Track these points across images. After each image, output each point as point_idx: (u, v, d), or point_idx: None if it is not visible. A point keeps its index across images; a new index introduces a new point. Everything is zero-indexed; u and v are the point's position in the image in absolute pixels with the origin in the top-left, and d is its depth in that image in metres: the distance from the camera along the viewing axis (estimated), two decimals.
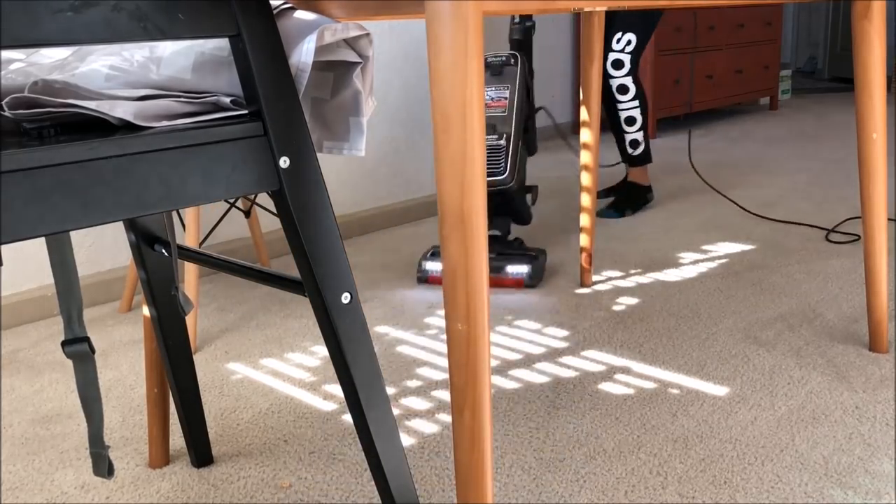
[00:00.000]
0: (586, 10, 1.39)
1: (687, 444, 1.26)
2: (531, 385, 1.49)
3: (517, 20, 2.26)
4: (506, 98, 2.14)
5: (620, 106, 2.59)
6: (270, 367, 1.62)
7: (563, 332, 1.73)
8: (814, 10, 7.08)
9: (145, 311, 1.17)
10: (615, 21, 2.52)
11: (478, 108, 0.83)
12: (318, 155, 1.49)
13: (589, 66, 1.89)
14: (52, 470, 1.27)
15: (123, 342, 1.78)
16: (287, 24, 0.83)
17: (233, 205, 2.10)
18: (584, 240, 2.00)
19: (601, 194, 2.83)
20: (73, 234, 1.98)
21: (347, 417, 1.40)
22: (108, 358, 1.70)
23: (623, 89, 2.56)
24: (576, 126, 4.81)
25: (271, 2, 0.85)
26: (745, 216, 2.64)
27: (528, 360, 1.60)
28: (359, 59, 0.86)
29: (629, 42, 2.51)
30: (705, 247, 2.32)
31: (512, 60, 2.18)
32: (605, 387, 1.47)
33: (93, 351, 0.99)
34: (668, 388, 1.46)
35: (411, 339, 1.74)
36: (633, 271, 2.13)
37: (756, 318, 1.77)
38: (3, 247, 1.82)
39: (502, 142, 2.08)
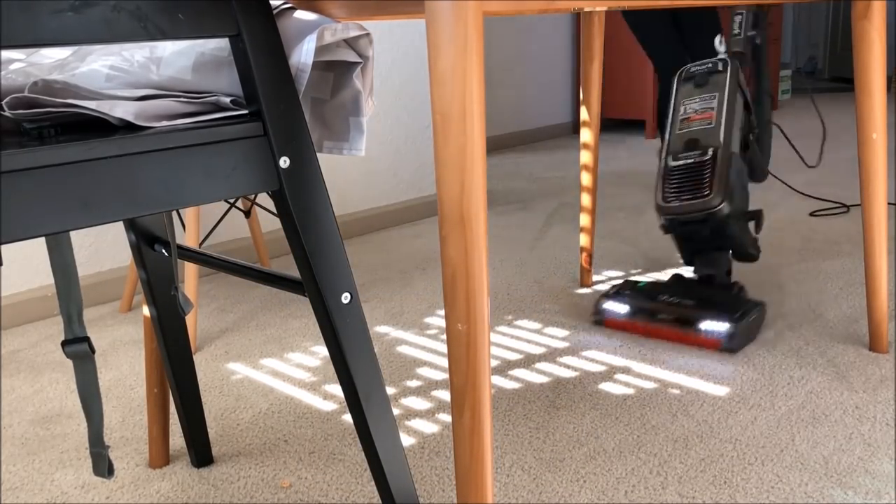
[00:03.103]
0: (586, 9, 1.39)
1: (687, 444, 1.26)
2: (531, 385, 1.49)
3: (737, 32, 1.91)
4: (712, 109, 1.73)
5: None
6: (270, 367, 1.62)
7: (563, 332, 1.73)
8: (814, 10, 7.08)
9: (145, 311, 1.17)
10: (703, 26, 2.40)
11: (478, 108, 0.83)
12: (318, 155, 1.50)
13: (589, 66, 1.89)
14: (52, 470, 1.27)
15: (123, 342, 1.78)
16: (287, 24, 0.83)
17: (233, 205, 2.10)
18: (584, 240, 2.00)
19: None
20: (73, 234, 1.98)
21: (347, 417, 1.40)
22: (108, 358, 1.70)
23: None
24: (576, 126, 4.81)
25: (271, 2, 0.85)
26: None
27: (528, 360, 1.60)
28: (359, 60, 0.86)
29: (723, 41, 2.33)
30: None
31: (720, 66, 1.79)
32: (605, 387, 1.47)
33: (93, 351, 0.99)
34: (668, 388, 1.46)
35: (411, 339, 1.74)
36: (633, 271, 2.13)
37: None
38: (3, 247, 1.82)
39: (706, 157, 1.64)
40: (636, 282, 1.79)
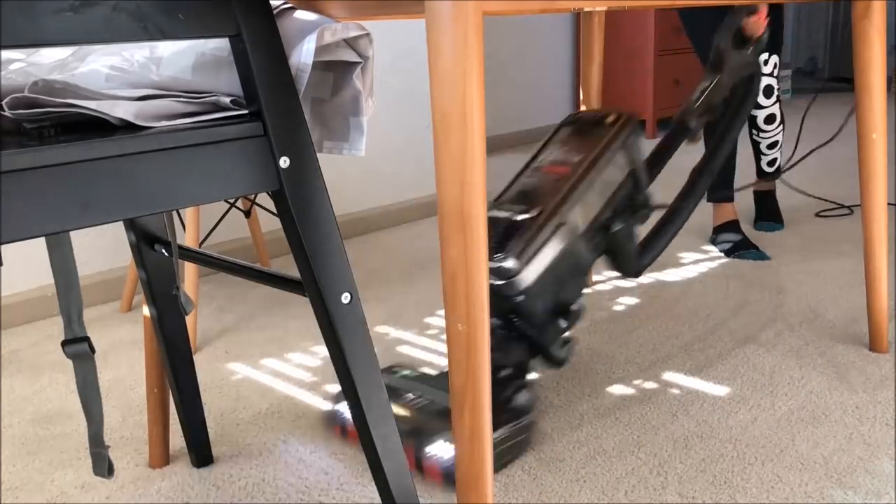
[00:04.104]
0: (586, 9, 1.39)
1: (687, 444, 1.26)
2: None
3: (748, 45, 1.59)
4: (573, 164, 1.36)
5: (765, 135, 2.40)
6: (270, 367, 1.62)
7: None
8: (814, 10, 7.08)
9: (145, 311, 1.17)
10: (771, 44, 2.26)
11: (478, 108, 0.83)
12: (318, 155, 1.50)
13: (589, 66, 1.89)
14: (52, 470, 1.27)
15: (123, 342, 1.78)
16: (287, 24, 0.83)
17: (233, 205, 2.10)
18: None
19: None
20: (73, 234, 1.98)
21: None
22: (108, 358, 1.70)
23: (771, 119, 2.38)
24: None
25: (271, 2, 0.85)
26: (745, 216, 2.64)
27: None
28: (359, 60, 0.86)
29: (776, 65, 2.30)
30: (705, 247, 2.32)
31: (611, 119, 1.43)
32: (605, 387, 1.47)
33: (93, 351, 0.99)
34: (668, 388, 1.46)
35: (411, 339, 1.74)
36: None
37: (756, 318, 1.77)
38: (3, 247, 1.82)
39: (528, 216, 1.30)
40: (395, 370, 1.40)
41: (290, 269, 2.26)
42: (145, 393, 1.25)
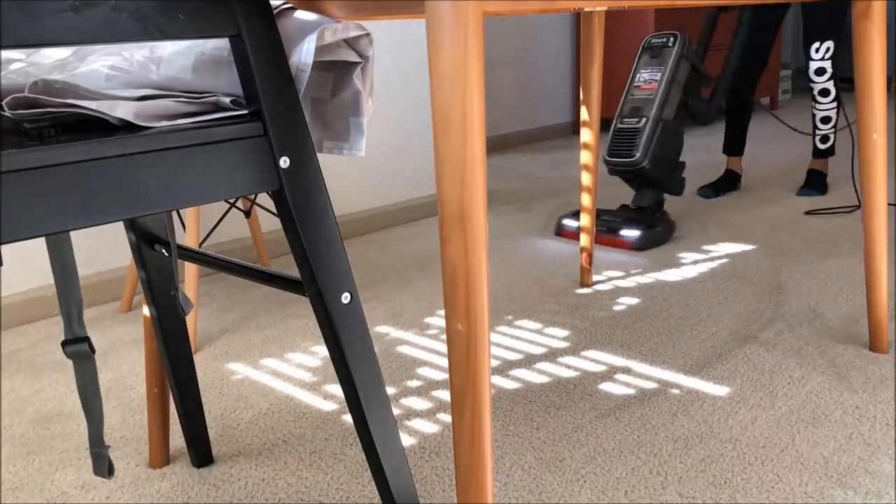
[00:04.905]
0: (586, 9, 1.39)
1: (687, 444, 1.26)
2: (531, 385, 1.49)
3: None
4: (657, 80, 2.34)
5: (820, 107, 2.79)
6: (270, 367, 1.62)
7: (563, 332, 1.73)
8: None
9: (145, 311, 1.17)
10: (812, 32, 2.68)
11: (478, 108, 0.83)
12: (318, 155, 1.50)
13: (589, 66, 1.89)
14: (52, 470, 1.27)
15: (123, 342, 1.78)
16: (287, 24, 0.83)
17: (233, 205, 2.10)
18: (584, 240, 2.00)
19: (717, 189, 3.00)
20: (73, 234, 1.98)
21: (347, 417, 1.40)
22: (108, 358, 1.70)
23: (825, 93, 2.75)
24: (576, 126, 4.81)
25: (271, 2, 0.85)
26: (745, 216, 2.64)
27: (528, 360, 1.60)
28: (359, 60, 0.86)
29: (828, 49, 2.68)
30: (705, 247, 2.32)
31: (671, 41, 2.38)
32: (605, 387, 1.47)
33: (93, 351, 0.99)
34: (668, 388, 1.46)
35: (411, 339, 1.74)
36: (633, 271, 2.13)
37: (756, 318, 1.77)
38: (3, 247, 1.82)
39: (640, 125, 2.30)
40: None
41: (290, 269, 2.26)
42: (145, 393, 1.25)
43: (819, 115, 2.82)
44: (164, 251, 1.09)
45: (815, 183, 2.93)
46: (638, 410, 1.38)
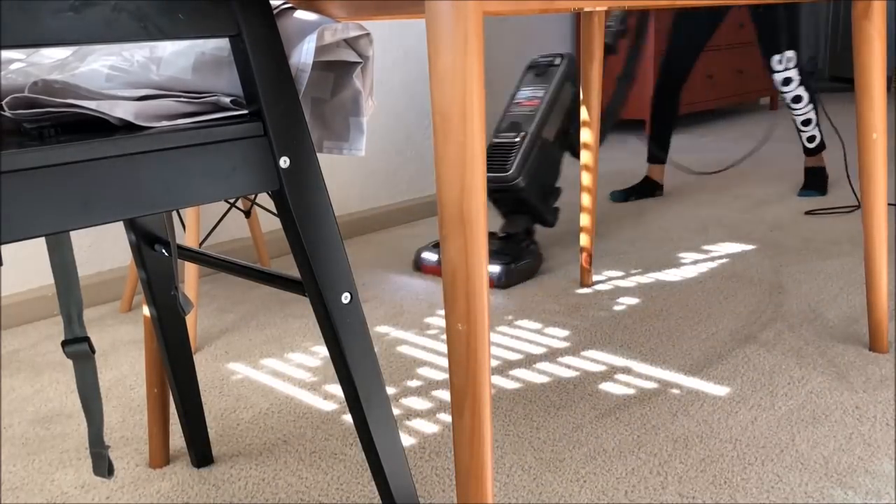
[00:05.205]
0: (586, 9, 1.39)
1: (687, 444, 1.26)
2: (531, 385, 1.49)
3: (609, 24, 2.36)
4: (539, 98, 2.19)
5: (797, 113, 2.78)
6: (270, 367, 1.62)
7: (563, 332, 1.73)
8: (814, 10, 7.08)
9: (145, 311, 1.17)
10: (769, 45, 2.67)
11: (478, 108, 0.83)
12: (318, 155, 1.50)
13: (589, 66, 1.89)
14: (52, 470, 1.27)
15: (123, 342, 1.78)
16: (287, 24, 0.83)
17: (233, 205, 2.10)
18: (584, 240, 2.00)
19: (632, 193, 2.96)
20: (73, 234, 1.98)
21: (348, 417, 1.40)
22: (108, 358, 1.70)
23: (797, 99, 2.74)
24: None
25: (271, 2, 0.85)
26: (746, 216, 2.64)
27: (528, 360, 1.60)
28: (359, 59, 0.86)
29: (790, 59, 2.66)
30: (705, 247, 2.32)
31: (557, 61, 2.25)
32: (605, 387, 1.47)
33: (93, 351, 0.99)
34: (668, 388, 1.46)
35: (411, 339, 1.74)
36: (633, 271, 2.13)
37: (756, 318, 1.77)
38: (3, 247, 1.82)
39: (517, 139, 2.10)
40: None
41: (290, 269, 2.26)
42: (145, 393, 1.25)
43: (799, 119, 2.82)
44: (164, 251, 1.09)
45: (815, 183, 2.92)
46: (638, 410, 1.38)
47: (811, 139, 2.88)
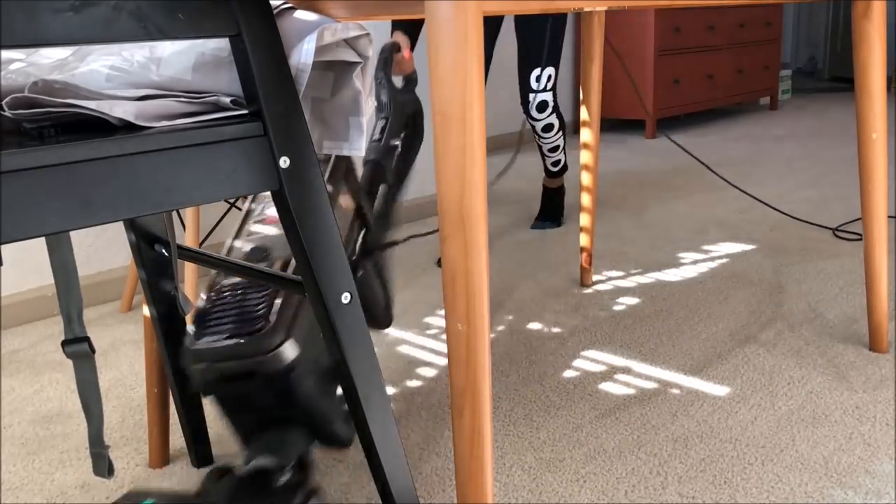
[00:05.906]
0: (586, 9, 1.39)
1: (687, 444, 1.26)
2: (531, 385, 1.49)
3: (377, 137, 1.30)
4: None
5: (546, 141, 2.50)
6: None
7: (564, 332, 1.73)
8: (814, 10, 7.08)
9: (145, 311, 1.17)
10: (530, 57, 2.38)
11: (478, 108, 0.83)
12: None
13: (589, 66, 1.89)
14: (52, 470, 1.27)
15: (123, 342, 1.78)
16: (287, 24, 0.83)
17: (233, 205, 2.10)
18: (584, 240, 2.00)
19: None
20: (73, 234, 1.98)
21: None
22: (108, 358, 1.70)
23: (549, 128, 2.46)
24: (576, 126, 4.81)
25: (271, 2, 0.85)
26: (746, 216, 2.64)
27: (528, 360, 1.60)
28: (359, 59, 0.86)
29: (549, 78, 2.40)
30: (705, 247, 2.32)
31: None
32: (605, 387, 1.47)
33: (93, 351, 0.99)
34: (668, 388, 1.46)
35: (411, 339, 1.74)
36: (633, 271, 2.13)
37: (756, 318, 1.77)
38: (3, 247, 1.82)
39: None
40: (145, 494, 0.95)
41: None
42: (145, 393, 1.25)
43: (546, 146, 2.53)
44: (164, 251, 1.09)
45: (552, 211, 2.67)
46: (638, 410, 1.38)
47: (556, 163, 2.60)
